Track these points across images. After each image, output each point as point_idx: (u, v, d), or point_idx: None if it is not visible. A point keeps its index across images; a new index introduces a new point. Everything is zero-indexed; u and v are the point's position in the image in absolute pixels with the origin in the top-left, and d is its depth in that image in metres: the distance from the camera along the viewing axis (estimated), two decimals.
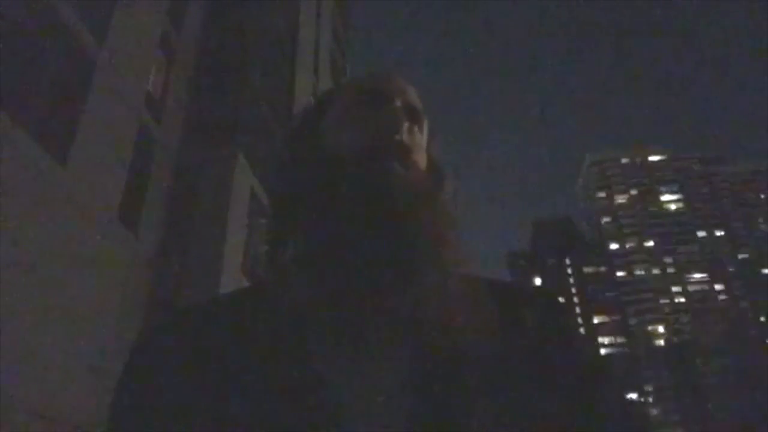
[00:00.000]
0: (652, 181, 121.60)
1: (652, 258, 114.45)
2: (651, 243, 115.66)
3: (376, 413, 0.53)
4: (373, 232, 0.56)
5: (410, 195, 0.59)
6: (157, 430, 0.54)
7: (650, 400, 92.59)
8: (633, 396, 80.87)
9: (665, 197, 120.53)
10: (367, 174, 0.59)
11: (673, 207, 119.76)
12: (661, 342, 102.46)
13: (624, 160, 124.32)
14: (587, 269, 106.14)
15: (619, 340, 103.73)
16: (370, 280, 0.56)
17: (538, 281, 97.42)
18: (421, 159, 0.66)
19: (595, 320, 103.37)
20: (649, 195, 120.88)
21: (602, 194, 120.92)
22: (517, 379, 0.56)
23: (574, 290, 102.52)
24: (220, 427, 0.53)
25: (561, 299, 0.69)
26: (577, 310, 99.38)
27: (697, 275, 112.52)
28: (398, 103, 0.66)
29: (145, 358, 0.60)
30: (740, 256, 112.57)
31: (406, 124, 0.64)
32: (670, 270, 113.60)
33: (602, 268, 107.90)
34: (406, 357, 0.55)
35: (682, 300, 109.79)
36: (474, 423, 0.52)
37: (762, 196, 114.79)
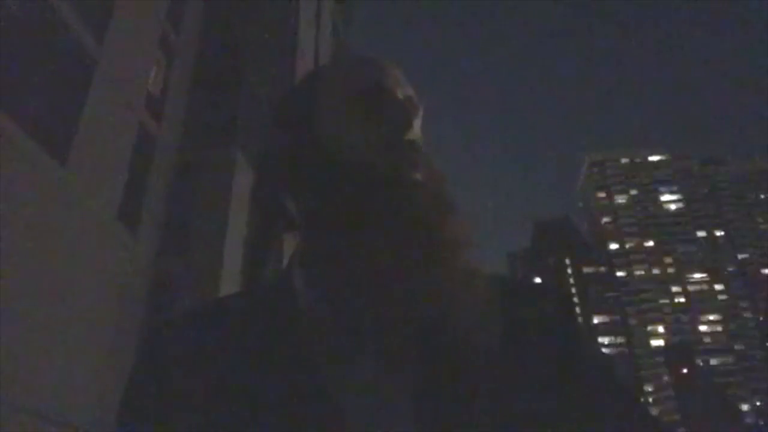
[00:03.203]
0: (652, 181, 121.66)
1: (652, 258, 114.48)
2: (651, 243, 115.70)
3: (380, 420, 0.52)
4: (400, 242, 0.55)
5: (434, 205, 0.57)
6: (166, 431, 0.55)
7: (650, 400, 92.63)
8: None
9: (665, 197, 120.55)
10: (389, 182, 0.57)
11: (672, 207, 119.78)
12: (661, 342, 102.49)
13: (624, 160, 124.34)
14: (587, 269, 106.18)
15: (619, 340, 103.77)
16: (393, 291, 0.54)
17: (537, 281, 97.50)
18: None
19: (595, 320, 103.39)
20: (649, 195, 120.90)
21: (602, 194, 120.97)
22: (525, 385, 0.55)
23: (574, 290, 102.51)
24: None
25: (563, 295, 0.68)
26: (577, 310, 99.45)
27: (697, 275, 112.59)
28: (399, 95, 0.63)
29: (154, 361, 0.60)
30: (740, 256, 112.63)
31: (415, 120, 0.63)
32: (670, 270, 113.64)
33: (602, 268, 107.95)
34: (412, 362, 0.54)
35: (682, 300, 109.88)
36: (480, 430, 0.52)
37: (762, 196, 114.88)
